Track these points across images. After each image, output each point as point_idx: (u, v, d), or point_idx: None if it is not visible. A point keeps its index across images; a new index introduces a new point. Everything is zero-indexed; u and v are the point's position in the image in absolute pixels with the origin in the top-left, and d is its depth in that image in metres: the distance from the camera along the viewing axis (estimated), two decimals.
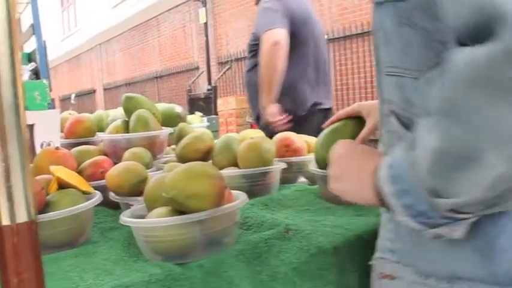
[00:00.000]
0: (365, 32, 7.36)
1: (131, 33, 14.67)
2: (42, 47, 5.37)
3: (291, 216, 1.00)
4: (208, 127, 5.86)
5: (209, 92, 7.77)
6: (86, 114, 1.74)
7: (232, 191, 0.94)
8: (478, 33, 0.46)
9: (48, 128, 1.45)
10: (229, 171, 1.20)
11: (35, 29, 5.29)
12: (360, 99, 7.23)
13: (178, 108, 1.91)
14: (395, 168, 0.59)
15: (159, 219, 0.81)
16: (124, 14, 14.24)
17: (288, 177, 1.35)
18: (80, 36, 17.82)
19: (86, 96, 17.71)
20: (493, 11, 0.44)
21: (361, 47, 7.50)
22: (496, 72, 0.44)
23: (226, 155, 1.28)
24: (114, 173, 1.10)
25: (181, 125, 1.65)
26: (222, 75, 9.65)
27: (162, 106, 1.92)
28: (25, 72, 6.11)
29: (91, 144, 1.56)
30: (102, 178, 1.17)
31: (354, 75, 7.66)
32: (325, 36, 8.09)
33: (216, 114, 7.26)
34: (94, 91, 17.35)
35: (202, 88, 9.37)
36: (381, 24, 0.67)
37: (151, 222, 0.82)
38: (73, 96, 16.00)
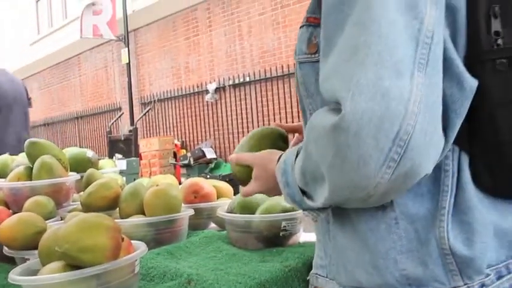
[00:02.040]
0: (285, 75, 7.64)
1: (51, 71, 14.19)
2: None
3: (196, 265, 0.99)
4: (128, 170, 5.74)
5: (130, 133, 7.63)
6: None
7: (132, 242, 0.92)
8: (335, 105, 0.62)
9: None
10: (133, 220, 1.18)
11: None
12: None
13: (89, 153, 1.85)
14: (285, 164, 0.75)
15: (48, 275, 0.77)
16: (43, 51, 13.80)
17: (197, 223, 1.34)
18: None
19: None
20: (336, 95, 0.60)
21: (281, 89, 7.76)
22: (323, 135, 0.62)
23: (133, 202, 1.25)
24: (8, 224, 1.04)
25: (89, 170, 1.60)
26: (143, 116, 9.54)
27: (72, 150, 1.85)
28: None
29: None
30: None
31: (275, 116, 7.87)
32: (247, 78, 8.30)
33: (137, 156, 7.11)
34: None
35: (124, 129, 9.18)
36: (303, 79, 0.77)
37: (41, 280, 0.78)
38: None
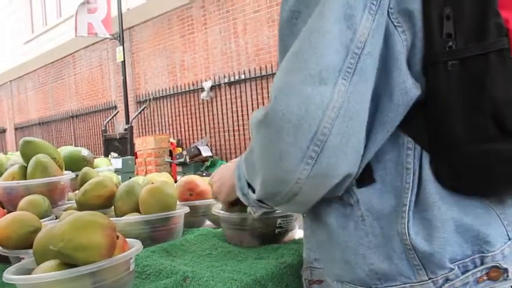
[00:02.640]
0: None
1: (46, 70, 14.14)
2: None
3: (191, 263, 0.99)
4: (123, 168, 5.77)
5: (125, 132, 7.61)
6: None
7: (128, 239, 0.91)
8: None
9: None
10: (128, 218, 1.17)
11: None
12: None
13: (84, 152, 1.85)
14: (240, 160, 0.82)
15: (43, 274, 0.77)
16: (38, 50, 13.74)
17: (193, 221, 1.34)
18: None
19: None
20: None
21: None
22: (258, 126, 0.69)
23: (128, 200, 1.25)
24: (2, 224, 1.03)
25: (84, 169, 1.60)
26: (138, 114, 9.52)
27: (66, 149, 1.85)
28: None
29: None
30: None
31: None
32: (242, 76, 8.28)
33: (132, 154, 7.09)
34: (4, 130, 16.37)
35: (119, 128, 9.16)
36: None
37: (35, 279, 0.78)
38: None
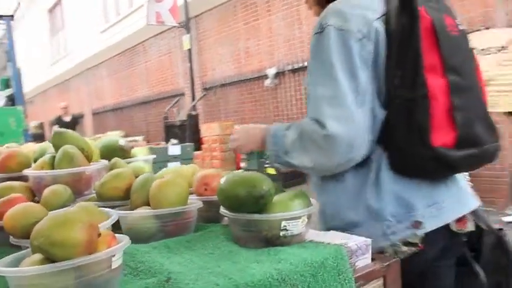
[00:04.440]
0: None
1: (119, 58, 14.74)
2: (17, 74, 5.36)
3: (186, 262, 0.96)
4: (182, 155, 5.86)
5: (186, 119, 7.72)
6: (20, 148, 1.72)
7: (118, 235, 0.91)
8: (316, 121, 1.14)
9: None
10: (137, 212, 1.17)
11: (10, 55, 5.28)
12: None
13: (122, 141, 1.88)
14: (276, 131, 1.26)
15: (22, 268, 0.78)
16: (112, 39, 14.33)
17: (209, 216, 1.32)
18: (69, 61, 17.89)
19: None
20: (319, 117, 1.13)
21: None
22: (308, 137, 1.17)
23: (141, 194, 1.25)
24: (11, 213, 1.06)
25: (114, 160, 1.62)
26: (199, 100, 9.63)
27: (105, 139, 1.89)
28: (1, 98, 6.10)
29: (25, 180, 1.53)
30: None
31: None
32: (306, 63, 8.10)
33: (195, 141, 7.22)
34: (83, 116, 17.32)
35: (180, 115, 9.35)
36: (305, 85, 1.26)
37: (17, 272, 0.79)
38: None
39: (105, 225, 1.07)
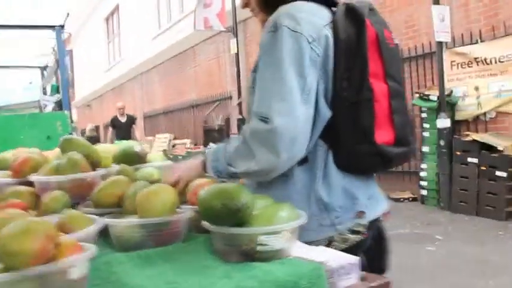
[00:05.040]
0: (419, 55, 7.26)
1: (170, 63, 15.07)
2: (65, 81, 5.59)
3: (156, 275, 0.93)
4: None
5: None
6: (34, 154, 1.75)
7: (87, 245, 0.89)
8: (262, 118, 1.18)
9: None
10: (121, 220, 1.16)
11: (60, 63, 5.50)
12: None
13: (137, 147, 1.90)
14: (215, 149, 1.30)
15: None
16: (163, 44, 14.67)
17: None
18: (123, 67, 18.50)
19: None
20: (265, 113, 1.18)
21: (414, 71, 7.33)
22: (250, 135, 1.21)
23: (133, 201, 1.23)
24: None
25: (121, 166, 1.63)
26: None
27: (122, 145, 1.91)
28: (50, 103, 6.38)
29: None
30: None
31: None
32: None
33: None
34: (135, 119, 17.82)
35: (233, 117, 9.39)
36: (248, 100, 1.34)
37: None
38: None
39: (88, 232, 1.07)
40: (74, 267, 0.82)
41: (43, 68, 6.86)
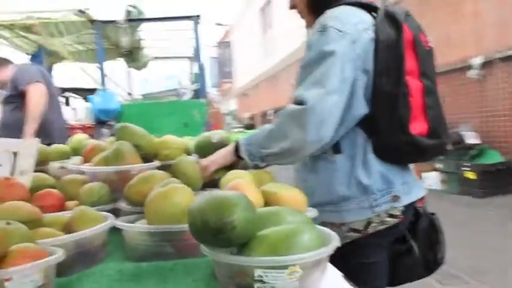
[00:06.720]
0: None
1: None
2: (202, 71, 5.71)
3: None
4: None
5: None
6: (103, 141, 1.69)
7: (53, 249, 0.73)
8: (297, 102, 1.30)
9: (27, 157, 1.41)
10: (131, 225, 0.98)
11: (195, 54, 5.65)
12: None
13: (214, 138, 1.75)
14: (249, 135, 1.44)
15: None
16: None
17: None
18: (276, 57, 18.80)
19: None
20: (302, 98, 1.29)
21: None
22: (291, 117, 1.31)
23: None
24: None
25: (178, 158, 1.47)
26: None
27: (201, 136, 1.78)
28: (188, 91, 6.60)
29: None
30: None
31: None
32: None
33: None
34: None
35: None
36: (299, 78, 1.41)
37: None
38: (271, 112, 16.90)
39: (82, 235, 0.92)
40: (10, 280, 0.67)
41: (191, 59, 7.18)
